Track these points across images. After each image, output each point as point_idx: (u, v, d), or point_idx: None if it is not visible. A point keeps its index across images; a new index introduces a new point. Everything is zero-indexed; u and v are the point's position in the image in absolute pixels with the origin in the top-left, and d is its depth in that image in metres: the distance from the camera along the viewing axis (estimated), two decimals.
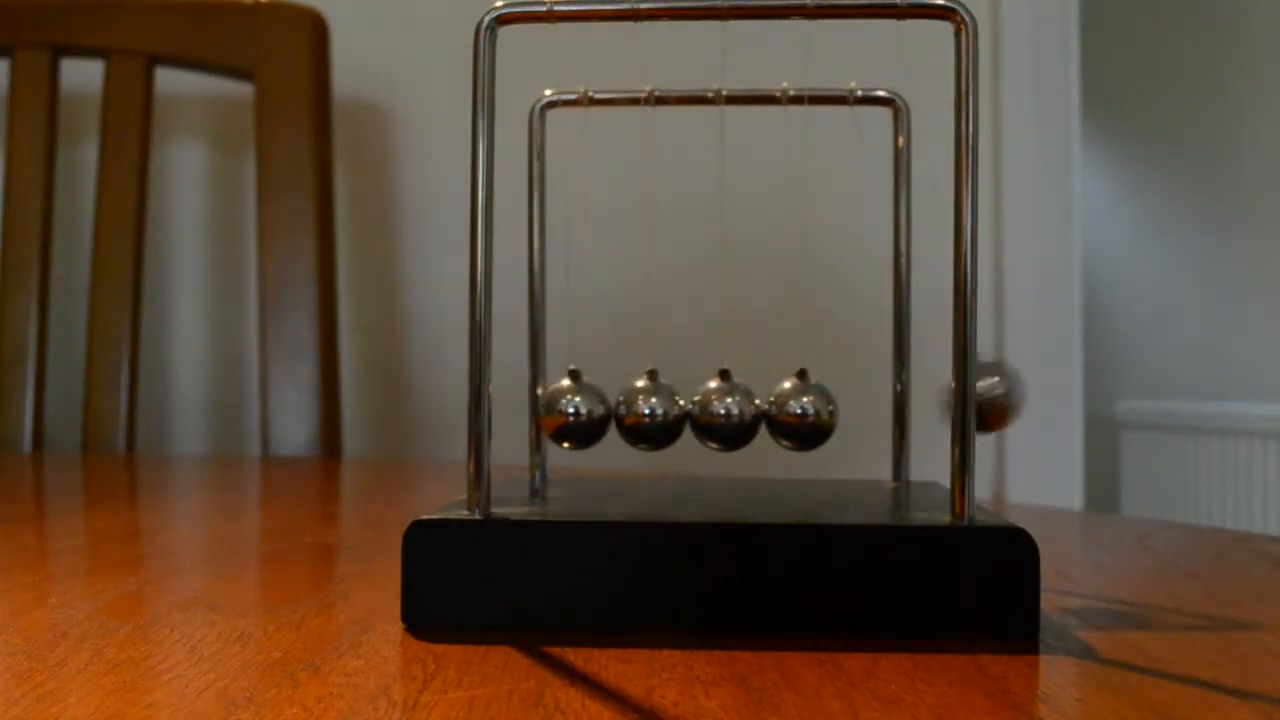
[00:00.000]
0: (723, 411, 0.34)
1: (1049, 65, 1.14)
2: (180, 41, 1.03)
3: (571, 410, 0.34)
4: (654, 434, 0.34)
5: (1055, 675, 0.25)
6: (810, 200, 1.11)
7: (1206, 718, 0.22)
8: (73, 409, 1.04)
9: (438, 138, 1.13)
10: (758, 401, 0.34)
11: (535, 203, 0.39)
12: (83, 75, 1.05)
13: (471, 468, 0.30)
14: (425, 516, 0.29)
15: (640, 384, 0.34)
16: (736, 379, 0.35)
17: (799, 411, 0.34)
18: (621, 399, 0.34)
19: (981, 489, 1.10)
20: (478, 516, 0.29)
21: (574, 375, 0.34)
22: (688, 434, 0.35)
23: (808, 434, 0.34)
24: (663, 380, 0.35)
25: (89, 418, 0.99)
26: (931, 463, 0.42)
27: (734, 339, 1.09)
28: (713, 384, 0.34)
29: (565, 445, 0.35)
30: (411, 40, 1.13)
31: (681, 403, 0.34)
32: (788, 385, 0.34)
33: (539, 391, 0.38)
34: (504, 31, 0.30)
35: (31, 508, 0.60)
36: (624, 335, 1.09)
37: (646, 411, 0.34)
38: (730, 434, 0.34)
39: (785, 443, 0.34)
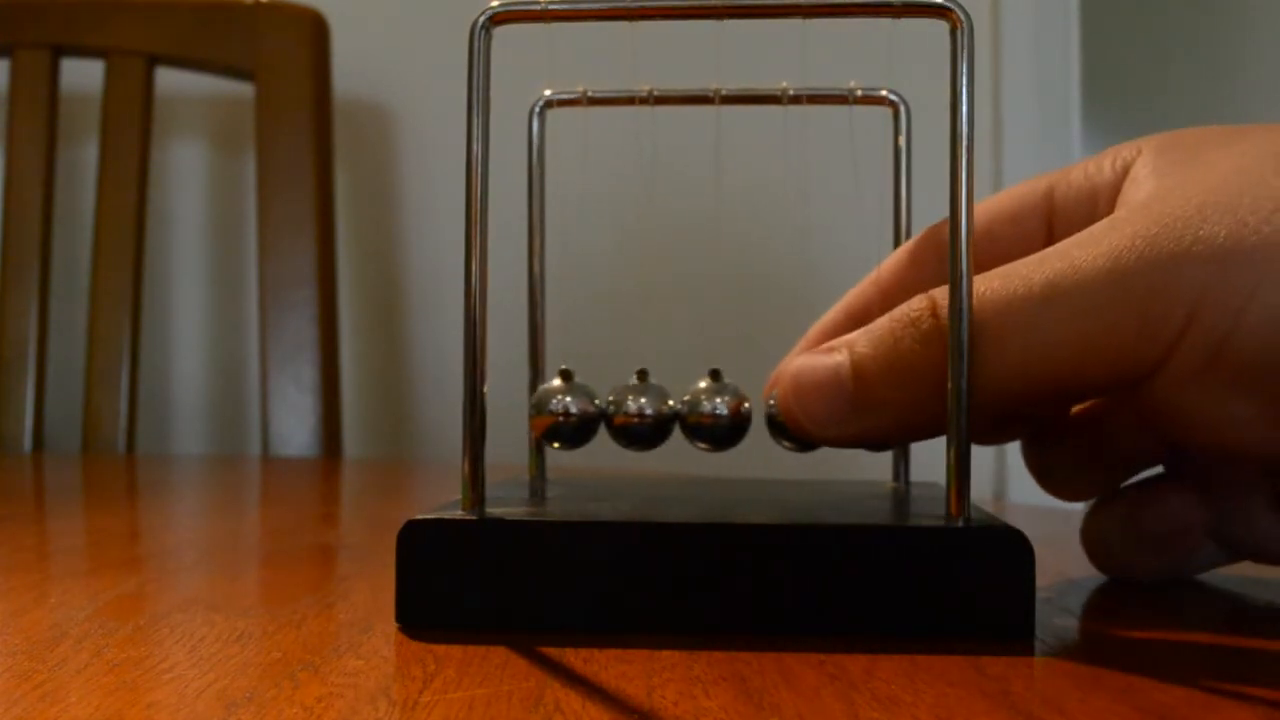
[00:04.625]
0: (711, 411, 0.34)
1: (1049, 65, 1.14)
2: (180, 41, 1.03)
3: (561, 410, 0.34)
4: (643, 434, 0.34)
5: (1055, 676, 0.25)
6: (808, 199, 1.11)
7: (1206, 718, 0.22)
8: (73, 409, 1.04)
9: (438, 138, 1.13)
10: (747, 405, 0.34)
11: (534, 203, 0.40)
12: (83, 75, 1.05)
13: (467, 467, 0.30)
14: (420, 516, 0.29)
15: (630, 384, 0.34)
16: (730, 379, 0.35)
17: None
18: (611, 399, 0.34)
19: (982, 489, 1.10)
20: (473, 516, 0.29)
21: (565, 375, 0.34)
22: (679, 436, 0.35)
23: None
24: (653, 380, 0.34)
25: (89, 418, 0.99)
26: (932, 463, 0.41)
27: (734, 338, 1.09)
28: (702, 384, 0.34)
29: (555, 446, 0.35)
30: (411, 40, 1.13)
31: (671, 403, 0.34)
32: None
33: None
34: (504, 32, 0.30)
35: (31, 508, 0.60)
36: (623, 335, 1.09)
37: (635, 411, 0.34)
38: (720, 434, 0.34)
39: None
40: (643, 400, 0.34)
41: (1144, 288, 0.27)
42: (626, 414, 0.34)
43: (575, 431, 0.34)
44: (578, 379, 0.34)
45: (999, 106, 1.12)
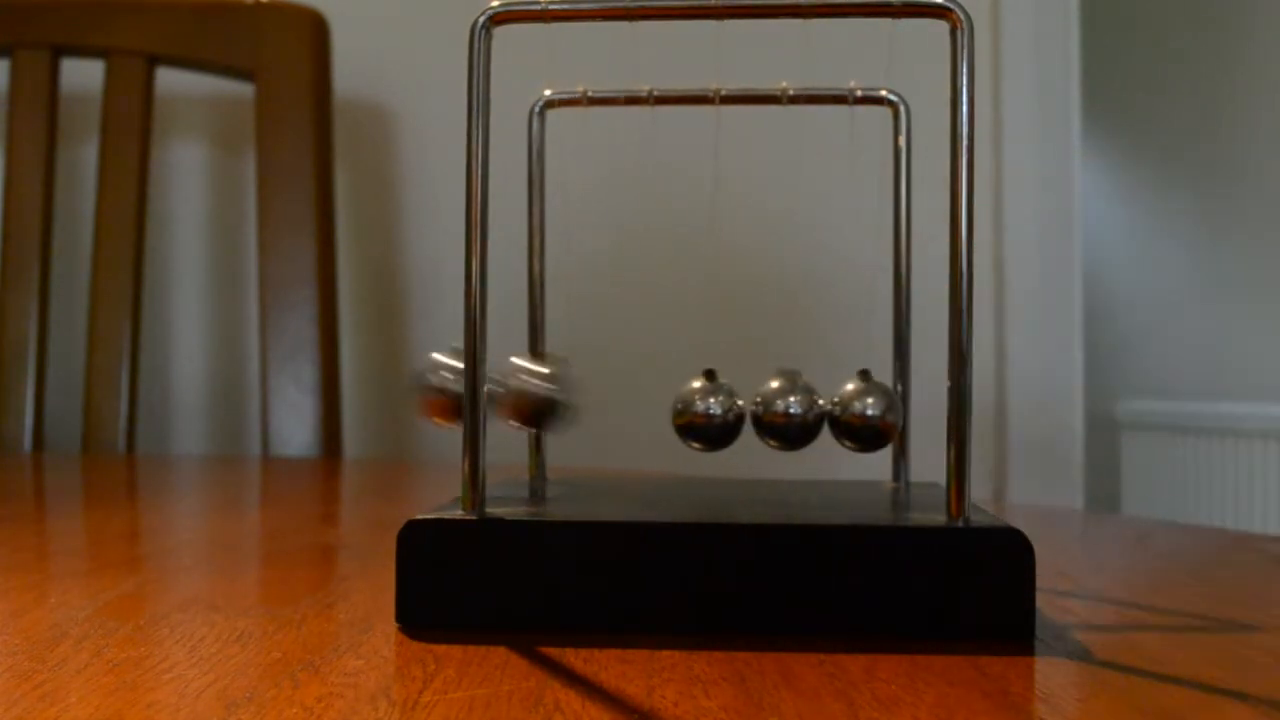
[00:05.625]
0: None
1: (1049, 65, 1.14)
2: (180, 41, 1.03)
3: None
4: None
5: (1055, 676, 0.25)
6: (808, 198, 1.11)
7: (1206, 718, 0.22)
8: (73, 409, 1.04)
9: (438, 138, 1.13)
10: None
11: (534, 202, 0.40)
12: (83, 75, 1.05)
13: (466, 467, 0.30)
14: (420, 516, 0.29)
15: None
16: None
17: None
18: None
19: (982, 489, 1.10)
20: (473, 516, 0.29)
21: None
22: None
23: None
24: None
25: (89, 418, 0.99)
26: (932, 463, 0.41)
27: (733, 338, 1.09)
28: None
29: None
30: (411, 40, 1.13)
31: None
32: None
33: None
34: (504, 32, 0.30)
35: (31, 508, 0.60)
36: (623, 334, 1.09)
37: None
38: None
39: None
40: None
41: None
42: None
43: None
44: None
45: (999, 106, 1.12)
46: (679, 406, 0.35)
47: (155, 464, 0.92)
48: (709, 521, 0.29)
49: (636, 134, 1.04)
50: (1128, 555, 0.45)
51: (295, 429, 0.99)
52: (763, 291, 1.10)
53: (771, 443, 0.35)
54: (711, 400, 0.34)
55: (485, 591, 0.29)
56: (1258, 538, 0.48)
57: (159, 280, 1.13)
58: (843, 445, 0.35)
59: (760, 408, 0.34)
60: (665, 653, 0.26)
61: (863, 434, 0.34)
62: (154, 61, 1.04)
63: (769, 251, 1.11)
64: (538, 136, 0.39)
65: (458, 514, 0.29)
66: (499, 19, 0.30)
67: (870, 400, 0.34)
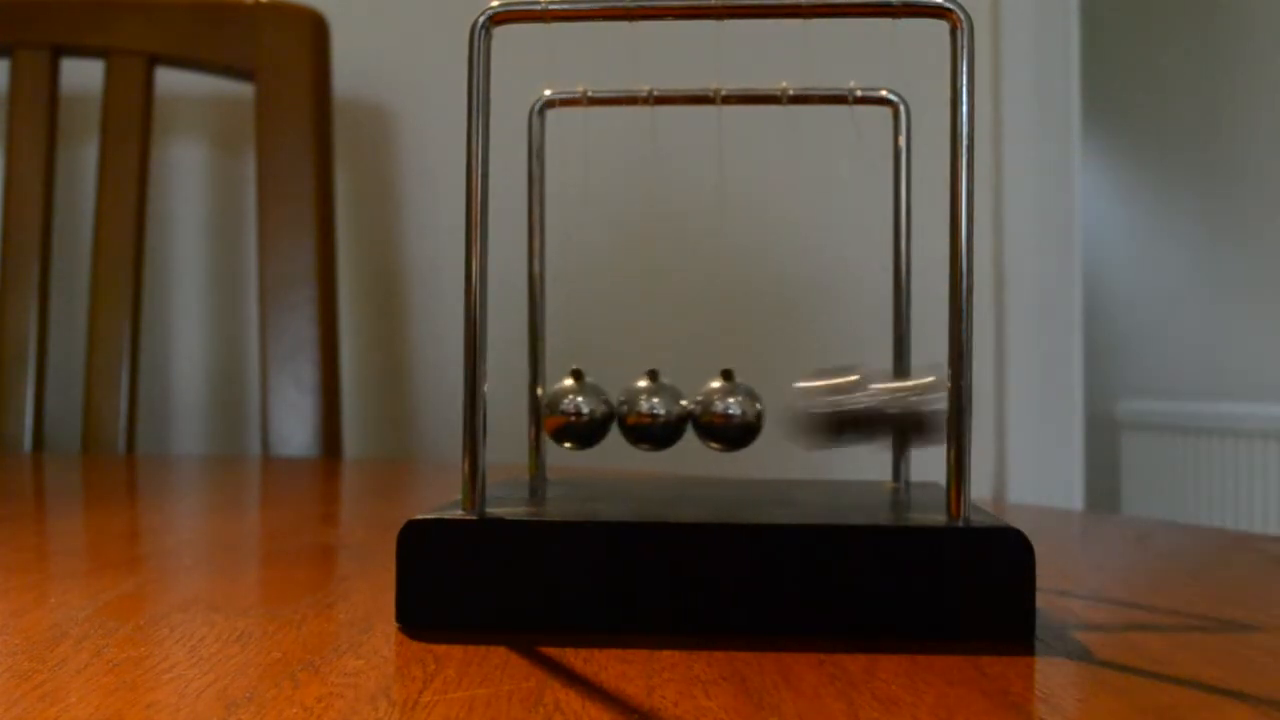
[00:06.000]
0: (724, 411, 0.34)
1: (1049, 65, 1.14)
2: (180, 41, 1.03)
3: (573, 410, 0.34)
4: (656, 434, 0.34)
5: (1055, 675, 0.25)
6: (808, 199, 1.11)
7: (1206, 719, 0.22)
8: (73, 409, 1.04)
9: (438, 137, 1.13)
10: (758, 406, 0.34)
11: (534, 202, 0.40)
12: (83, 75, 1.05)
13: (466, 467, 0.30)
14: (420, 516, 0.29)
15: (642, 384, 0.34)
16: (737, 379, 0.35)
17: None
18: (624, 399, 0.34)
19: (982, 489, 1.10)
20: (473, 516, 0.29)
21: (576, 375, 0.35)
22: (689, 434, 0.35)
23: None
24: (664, 380, 0.35)
25: (89, 418, 0.99)
26: (933, 463, 0.41)
27: (733, 338, 1.09)
28: (715, 384, 0.34)
29: (566, 445, 0.35)
30: (411, 40, 1.13)
31: (684, 403, 0.34)
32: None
33: (539, 392, 0.38)
34: (504, 31, 0.30)
35: (31, 508, 0.60)
36: (623, 335, 1.09)
37: (648, 411, 0.34)
38: (732, 434, 0.34)
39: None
40: (655, 400, 0.34)
41: None
42: (639, 414, 0.34)
43: (587, 431, 0.34)
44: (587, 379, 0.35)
45: (999, 106, 1.12)
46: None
47: (155, 464, 0.92)
48: (709, 521, 0.29)
49: (636, 134, 1.04)
50: (1128, 555, 0.45)
51: (295, 429, 0.99)
52: (763, 291, 1.10)
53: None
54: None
55: (485, 591, 0.29)
56: (1258, 538, 0.48)
57: (159, 280, 1.13)
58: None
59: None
60: (665, 653, 0.26)
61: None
62: (154, 61, 1.04)
63: (769, 251, 1.11)
64: (538, 136, 0.39)
65: (458, 514, 0.29)
66: (499, 19, 0.30)
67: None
